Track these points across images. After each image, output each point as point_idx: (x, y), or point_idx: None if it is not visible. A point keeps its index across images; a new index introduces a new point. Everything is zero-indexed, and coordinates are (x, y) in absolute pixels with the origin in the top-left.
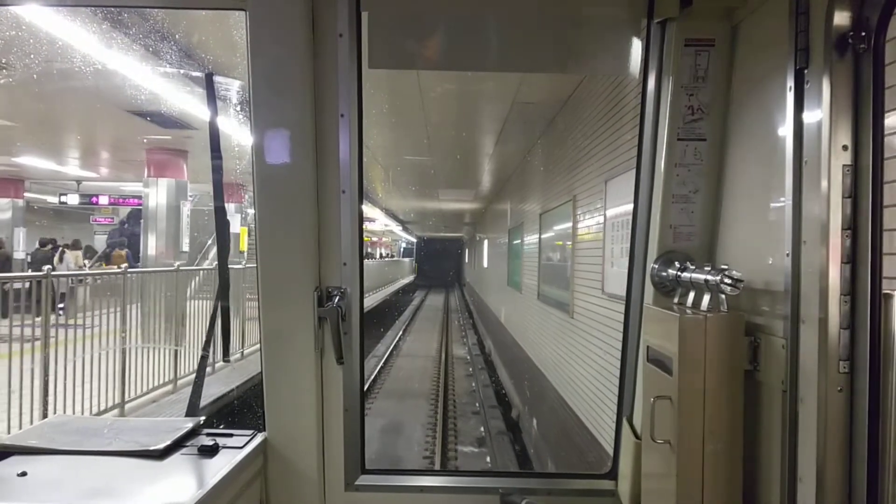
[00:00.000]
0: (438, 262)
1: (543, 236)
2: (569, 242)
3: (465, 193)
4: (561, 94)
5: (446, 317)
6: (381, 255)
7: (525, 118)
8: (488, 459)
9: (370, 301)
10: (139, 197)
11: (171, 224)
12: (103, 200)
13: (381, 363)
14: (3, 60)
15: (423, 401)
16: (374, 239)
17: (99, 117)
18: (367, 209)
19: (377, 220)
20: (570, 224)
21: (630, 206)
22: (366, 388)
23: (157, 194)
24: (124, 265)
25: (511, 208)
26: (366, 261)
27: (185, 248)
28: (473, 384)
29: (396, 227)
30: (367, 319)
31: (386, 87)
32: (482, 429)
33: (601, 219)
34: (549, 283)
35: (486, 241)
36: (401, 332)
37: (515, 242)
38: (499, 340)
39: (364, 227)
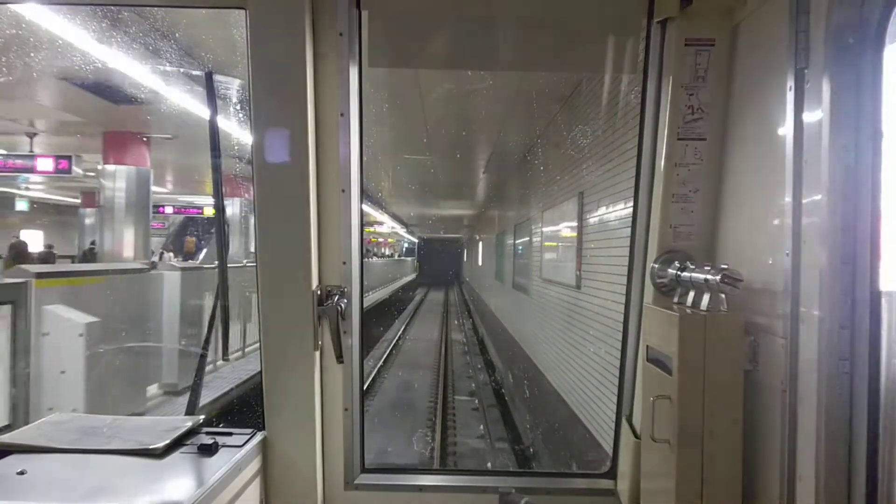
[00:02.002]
0: (439, 262)
1: (516, 241)
2: (527, 246)
3: (462, 204)
4: (523, 147)
5: (446, 311)
6: (389, 254)
7: (502, 160)
8: (476, 402)
9: (379, 295)
10: (195, 206)
11: (241, 232)
12: (168, 210)
13: (391, 346)
14: (172, 134)
15: (428, 371)
16: (381, 240)
17: (206, 159)
18: (377, 213)
19: (384, 224)
20: (527, 234)
21: (554, 228)
22: (383, 361)
23: (231, 208)
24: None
25: (498, 215)
26: (374, 259)
27: (252, 248)
28: (468, 358)
29: (401, 230)
30: (377, 311)
31: (393, 114)
32: (473, 385)
33: (540, 233)
34: (518, 275)
35: (480, 243)
36: (406, 324)
37: (500, 244)
38: (488, 325)
39: (373, 229)
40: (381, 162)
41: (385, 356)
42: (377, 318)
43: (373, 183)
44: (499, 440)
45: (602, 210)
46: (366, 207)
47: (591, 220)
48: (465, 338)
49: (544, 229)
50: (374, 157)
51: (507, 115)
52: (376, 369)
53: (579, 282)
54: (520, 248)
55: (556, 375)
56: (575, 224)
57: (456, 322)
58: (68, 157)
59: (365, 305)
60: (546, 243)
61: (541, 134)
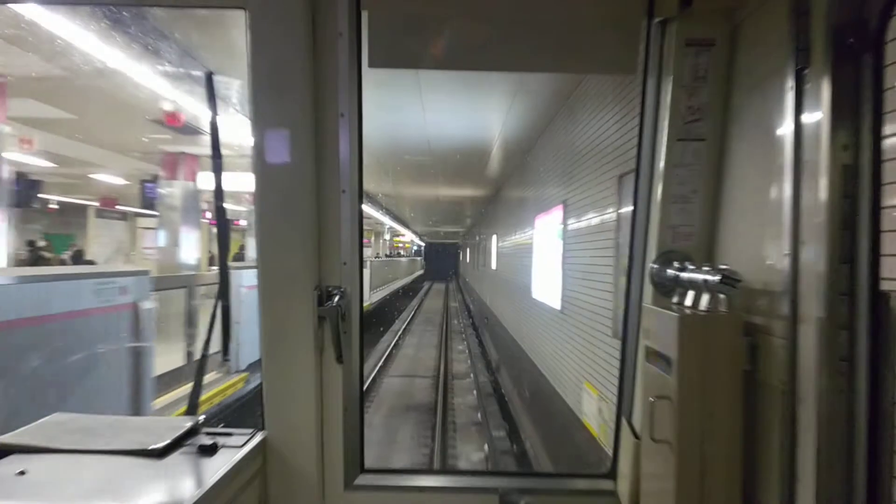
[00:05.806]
0: (441, 262)
1: (481, 249)
2: (482, 252)
3: (458, 225)
4: (490, 191)
5: (446, 295)
6: (403, 254)
7: (474, 211)
8: (464, 338)
9: (403, 282)
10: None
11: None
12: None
13: (412, 312)
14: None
15: (434, 325)
16: (401, 244)
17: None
18: (401, 228)
19: (405, 235)
20: (483, 247)
21: (487, 247)
22: (410, 320)
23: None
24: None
25: (478, 231)
26: (395, 258)
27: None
28: (456, 309)
29: (415, 237)
30: (400, 292)
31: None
32: (462, 328)
33: (484, 248)
34: (480, 265)
35: (468, 248)
36: (420, 301)
37: (475, 251)
38: (470, 293)
39: (398, 238)
40: (411, 204)
41: (411, 317)
42: (402, 295)
43: (405, 215)
44: (462, 308)
45: (501, 244)
46: (394, 224)
47: (501, 247)
48: (458, 304)
49: (484, 246)
50: (405, 201)
51: (476, 200)
52: (411, 315)
53: (489, 263)
54: (480, 253)
55: (483, 294)
56: (493, 249)
57: (453, 296)
58: None
59: (393, 289)
60: (485, 252)
61: (488, 202)
